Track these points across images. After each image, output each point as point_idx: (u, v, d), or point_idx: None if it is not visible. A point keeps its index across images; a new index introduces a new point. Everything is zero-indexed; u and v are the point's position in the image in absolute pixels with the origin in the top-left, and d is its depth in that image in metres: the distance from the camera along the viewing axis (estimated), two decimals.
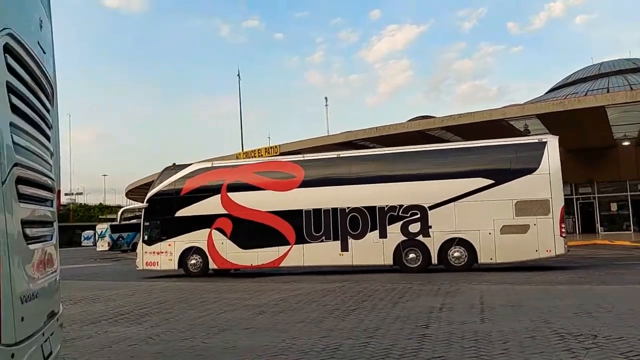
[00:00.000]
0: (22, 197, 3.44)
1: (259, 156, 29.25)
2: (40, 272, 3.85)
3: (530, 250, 16.02)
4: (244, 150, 36.23)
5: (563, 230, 16.02)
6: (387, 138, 28.07)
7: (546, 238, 15.89)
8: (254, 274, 19.37)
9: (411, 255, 17.14)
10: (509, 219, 16.23)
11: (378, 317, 9.17)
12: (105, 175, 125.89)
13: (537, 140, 17.01)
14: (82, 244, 68.68)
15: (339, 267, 18.23)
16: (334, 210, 17.91)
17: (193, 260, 19.56)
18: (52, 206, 4.34)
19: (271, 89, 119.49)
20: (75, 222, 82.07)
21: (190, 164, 20.78)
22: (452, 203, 16.81)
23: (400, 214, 17.30)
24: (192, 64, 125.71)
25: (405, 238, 17.23)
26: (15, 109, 3.32)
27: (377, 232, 17.44)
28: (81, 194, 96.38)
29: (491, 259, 16.50)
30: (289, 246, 18.24)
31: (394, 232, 17.29)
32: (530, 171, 16.32)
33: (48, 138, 4.22)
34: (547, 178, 16.07)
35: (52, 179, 4.29)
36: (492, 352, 6.45)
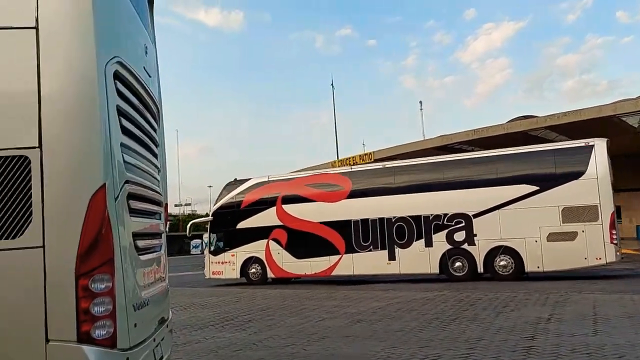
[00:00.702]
0: (133, 212, 3.66)
1: (353, 164, 29.20)
2: (150, 280, 4.06)
3: (579, 258, 15.49)
4: (339, 158, 36.43)
5: (614, 236, 15.32)
6: (486, 140, 26.96)
7: (596, 245, 15.28)
8: (348, 282, 19.26)
9: (457, 264, 17.06)
10: (556, 226, 15.78)
11: (480, 328, 8.73)
12: (210, 186, 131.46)
13: (583, 144, 16.24)
14: (191, 253, 72.00)
15: (387, 276, 18.31)
16: (381, 220, 18.05)
17: (253, 270, 20.32)
18: (160, 219, 4.60)
19: (365, 96, 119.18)
20: (184, 231, 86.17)
21: (250, 179, 21.48)
22: (497, 211, 16.54)
23: (445, 222, 17.24)
24: (289, 76, 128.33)
25: (450, 246, 17.13)
26: (125, 130, 3.56)
27: (422, 241, 17.43)
28: (189, 204, 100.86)
29: (538, 267, 16.09)
30: (340, 255, 18.53)
31: (440, 240, 17.21)
32: (577, 176, 15.74)
33: (155, 155, 4.47)
34: (595, 183, 15.44)
35: (160, 194, 4.55)
36: None
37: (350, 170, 20.14)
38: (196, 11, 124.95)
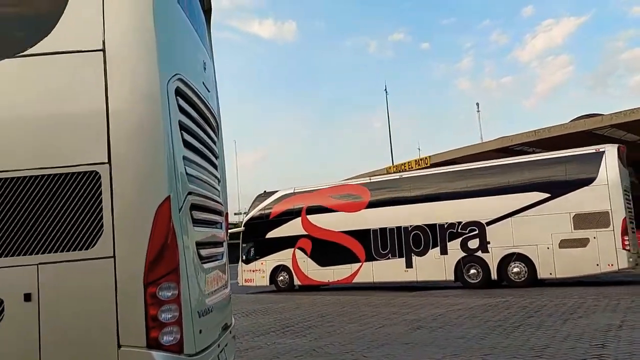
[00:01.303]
0: (196, 222, 3.77)
1: (409, 169, 28.85)
2: (214, 288, 4.15)
3: (591, 265, 15.43)
4: (394, 164, 35.95)
5: (626, 242, 15.16)
6: (548, 141, 25.99)
7: (608, 251, 15.23)
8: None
9: (472, 271, 17.23)
10: (567, 232, 15.79)
11: (546, 335, 8.25)
12: None
13: (594, 150, 16.22)
14: None
15: (405, 283, 18.42)
16: (398, 228, 18.32)
17: (281, 277, 20.85)
18: (221, 228, 4.70)
19: (420, 100, 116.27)
20: None
21: (277, 191, 22.06)
22: (509, 218, 16.66)
23: (459, 230, 17.42)
24: (343, 82, 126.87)
25: (465, 254, 17.30)
26: (187, 144, 3.67)
27: (438, 248, 17.66)
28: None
29: (550, 274, 16.14)
30: (360, 263, 18.86)
31: (454, 248, 17.41)
32: (588, 182, 15.72)
33: (215, 166, 4.57)
34: (606, 189, 15.42)
35: (221, 203, 4.64)
36: None
37: (369, 181, 20.42)
38: (250, 24, 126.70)
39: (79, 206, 3.20)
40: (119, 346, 3.10)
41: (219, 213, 4.58)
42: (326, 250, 19.61)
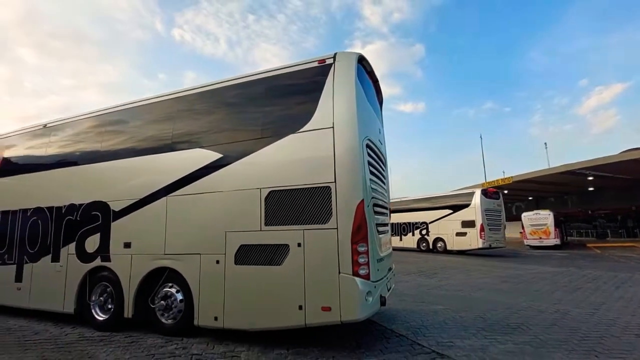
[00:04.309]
0: (376, 212, 3.07)
1: (496, 185, 25.59)
2: (383, 247, 3.72)
3: (468, 245, 15.83)
4: (487, 181, 31.69)
5: (482, 235, 15.55)
6: (601, 167, 20.71)
7: (474, 239, 15.78)
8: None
9: (423, 244, 18.07)
10: (459, 229, 16.55)
11: (603, 296, 5.46)
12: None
13: (471, 191, 16.93)
14: None
15: (399, 248, 18.64)
16: (398, 223, 20.09)
17: None
18: (387, 216, 4.67)
19: (502, 142, 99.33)
20: None
21: None
22: (437, 221, 17.69)
23: (418, 225, 18.66)
24: (453, 134, 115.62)
25: (420, 236, 18.50)
26: (371, 172, 3.08)
27: (411, 233, 18.85)
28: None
29: (452, 248, 16.35)
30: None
31: (417, 233, 18.56)
32: (467, 206, 16.43)
33: (384, 183, 4.40)
34: (474, 209, 16.04)
35: (386, 202, 4.55)
36: None
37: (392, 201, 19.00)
38: (399, 105, 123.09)
39: (321, 202, 2.83)
40: (339, 272, 2.66)
41: (386, 208, 4.20)
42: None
